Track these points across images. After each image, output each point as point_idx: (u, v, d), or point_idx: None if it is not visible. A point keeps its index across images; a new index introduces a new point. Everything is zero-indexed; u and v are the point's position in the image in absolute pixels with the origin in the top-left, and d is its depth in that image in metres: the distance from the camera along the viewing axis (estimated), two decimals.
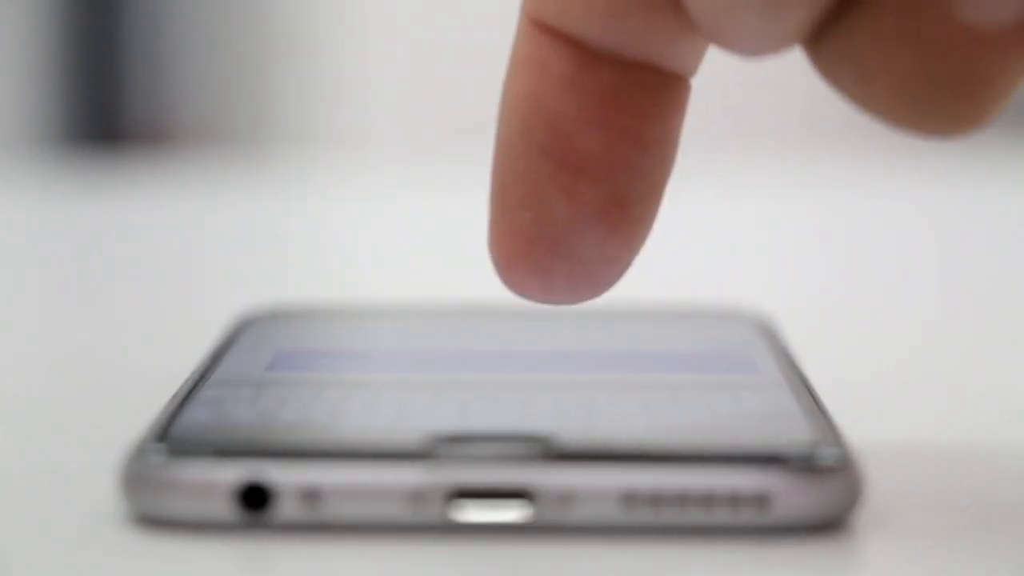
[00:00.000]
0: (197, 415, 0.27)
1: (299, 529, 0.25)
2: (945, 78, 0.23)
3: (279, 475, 0.25)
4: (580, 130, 0.26)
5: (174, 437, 0.26)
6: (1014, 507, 0.27)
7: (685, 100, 0.27)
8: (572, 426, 0.27)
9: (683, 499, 0.25)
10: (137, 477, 0.25)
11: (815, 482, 0.25)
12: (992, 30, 0.23)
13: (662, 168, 0.27)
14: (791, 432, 0.27)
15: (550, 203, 0.26)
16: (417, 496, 0.25)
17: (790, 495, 0.25)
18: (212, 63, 1.64)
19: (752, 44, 0.24)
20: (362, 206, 0.68)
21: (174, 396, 0.28)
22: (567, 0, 0.26)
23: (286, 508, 0.25)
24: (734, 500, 0.25)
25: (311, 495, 0.25)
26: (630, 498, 0.25)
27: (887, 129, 0.24)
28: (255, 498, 0.25)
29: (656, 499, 0.25)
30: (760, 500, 0.25)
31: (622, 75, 0.26)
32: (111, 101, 1.61)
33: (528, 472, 0.25)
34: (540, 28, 0.26)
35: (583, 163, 0.26)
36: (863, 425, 0.28)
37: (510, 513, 0.25)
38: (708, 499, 0.25)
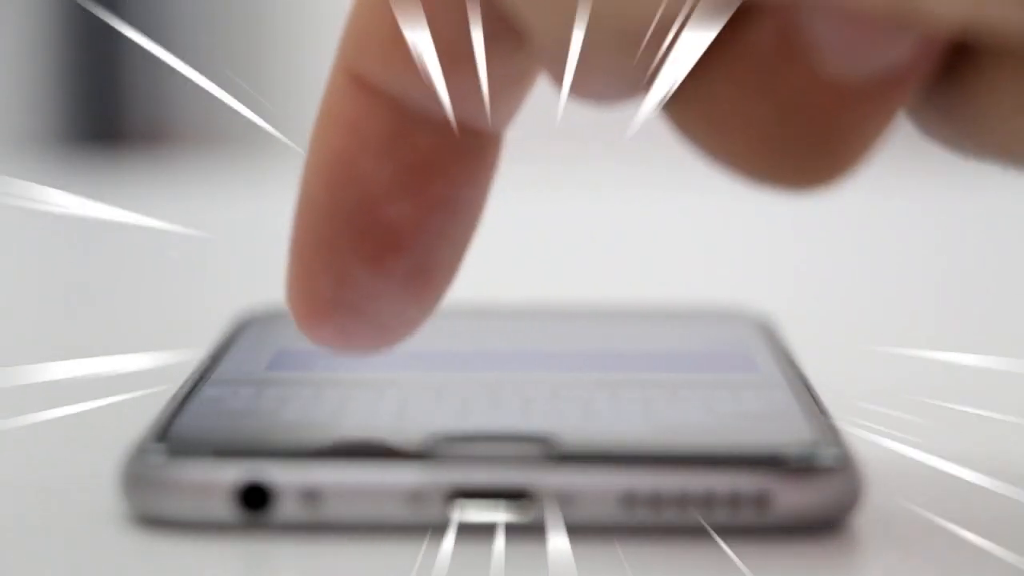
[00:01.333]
0: (197, 415, 0.27)
1: (299, 529, 0.25)
2: (805, 133, 0.22)
3: (279, 475, 0.25)
4: (390, 199, 0.25)
5: (174, 437, 0.26)
6: (1014, 507, 0.27)
7: (498, 157, 0.25)
8: (572, 426, 0.27)
9: (683, 499, 0.25)
10: (137, 477, 0.25)
11: (815, 482, 0.25)
12: (853, 84, 0.22)
13: (469, 230, 0.26)
14: (791, 432, 0.27)
15: (352, 272, 0.25)
16: (417, 496, 0.25)
17: (790, 495, 0.25)
18: (212, 63, 1.64)
19: (602, 89, 0.23)
20: None
21: (174, 396, 0.28)
22: (391, 57, 0.24)
23: (286, 508, 0.25)
24: (734, 500, 0.25)
25: (311, 495, 0.25)
26: (630, 498, 0.25)
27: (740, 181, 0.23)
28: (255, 498, 0.25)
29: (656, 499, 0.25)
30: (760, 500, 0.25)
31: (438, 138, 0.25)
32: (111, 101, 1.61)
33: (528, 472, 0.25)
34: (356, 82, 0.24)
35: (390, 233, 0.25)
36: (863, 426, 0.28)
37: (510, 513, 0.25)
38: (708, 499, 0.25)
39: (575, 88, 0.23)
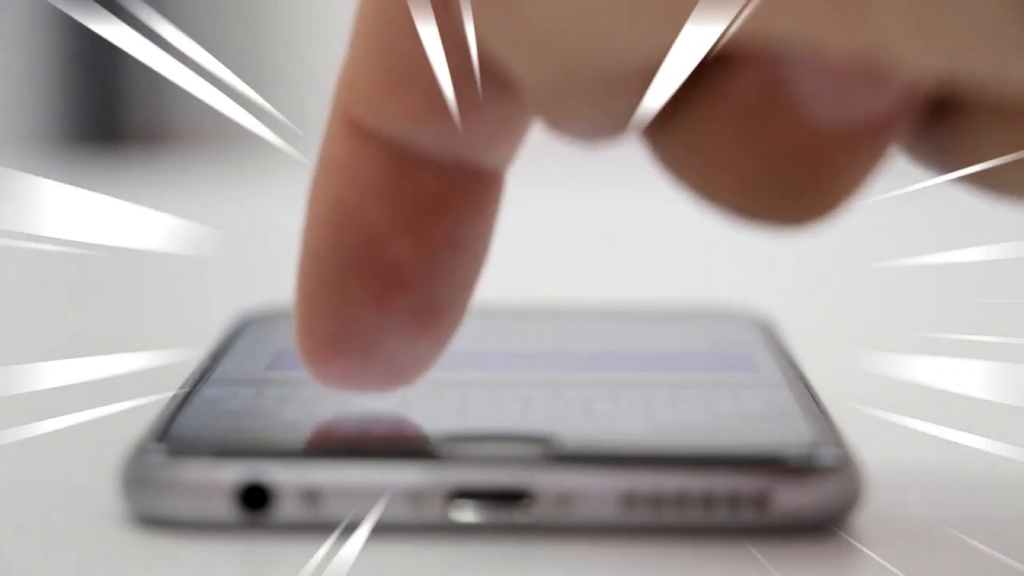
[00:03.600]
0: (197, 415, 0.27)
1: (299, 529, 0.25)
2: (791, 177, 0.22)
3: (279, 475, 0.25)
4: (393, 239, 0.25)
5: (174, 437, 0.26)
6: (1014, 508, 0.27)
7: (501, 195, 0.25)
8: (572, 426, 0.27)
9: (683, 499, 0.25)
10: (137, 477, 0.25)
11: (815, 482, 0.25)
12: (839, 131, 0.22)
13: (476, 267, 0.26)
14: (791, 432, 0.27)
15: (359, 313, 0.25)
16: (417, 496, 0.25)
17: (790, 495, 0.25)
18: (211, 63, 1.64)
19: (586, 131, 0.23)
20: None
21: (174, 396, 0.28)
22: (384, 101, 0.24)
23: (286, 508, 0.25)
24: (734, 500, 0.25)
25: (311, 495, 0.25)
26: (630, 498, 0.25)
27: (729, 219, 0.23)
28: (255, 498, 0.25)
29: (656, 499, 0.25)
30: (760, 500, 0.25)
31: (439, 181, 0.25)
32: (111, 101, 1.61)
33: (528, 472, 0.25)
34: (353, 128, 0.24)
35: (395, 273, 0.25)
36: (863, 425, 0.28)
37: (510, 513, 0.25)
38: (708, 499, 0.25)
39: (564, 131, 0.23)
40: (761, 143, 0.22)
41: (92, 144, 1.52)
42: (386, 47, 0.24)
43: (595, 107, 0.22)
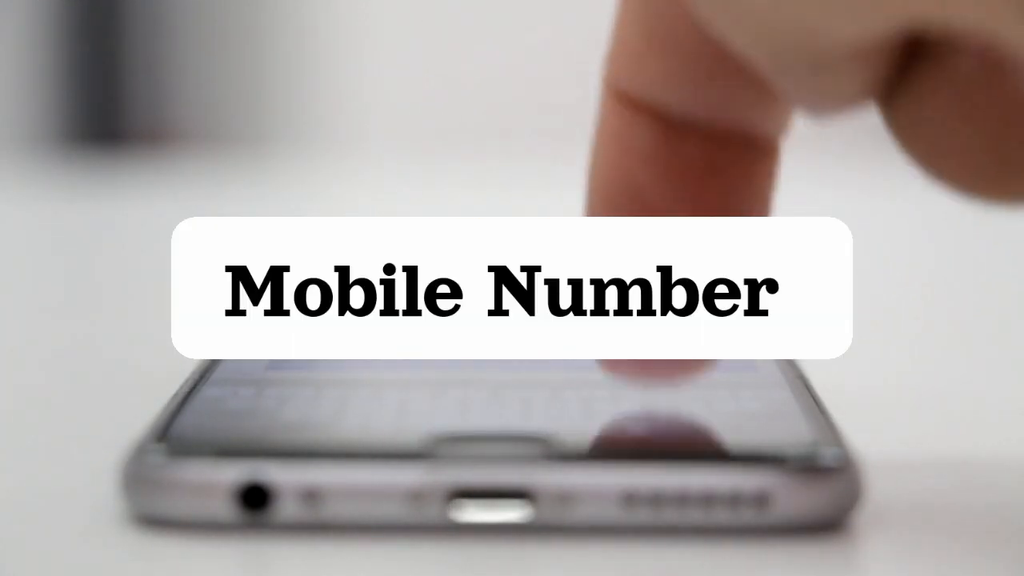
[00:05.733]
0: (197, 415, 0.27)
1: (299, 529, 0.25)
2: (1014, 155, 0.22)
3: (279, 475, 0.25)
4: (668, 206, 0.25)
5: (174, 437, 0.26)
6: (1013, 508, 0.27)
7: (775, 165, 0.26)
8: (572, 426, 0.27)
9: (683, 499, 0.25)
10: (137, 477, 0.25)
11: (815, 482, 0.25)
12: None
13: None
14: (791, 432, 0.27)
15: None
16: (417, 496, 0.25)
17: (790, 495, 0.25)
18: (212, 63, 1.64)
19: (816, 104, 0.23)
20: (362, 205, 0.68)
21: (174, 396, 0.28)
22: (646, 68, 0.25)
23: (286, 508, 0.25)
24: (734, 500, 0.25)
25: (311, 495, 0.25)
26: (630, 498, 0.25)
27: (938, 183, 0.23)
28: (255, 498, 0.25)
29: (656, 499, 0.25)
30: (760, 500, 0.25)
31: (708, 146, 0.25)
32: (111, 101, 1.61)
33: (528, 472, 0.25)
34: (622, 99, 0.25)
35: None
36: (863, 425, 0.28)
37: (510, 513, 0.25)
38: (708, 499, 0.25)
39: (797, 104, 0.24)
40: (984, 119, 0.22)
41: (92, 144, 1.52)
42: (647, 16, 0.25)
43: (816, 83, 0.23)
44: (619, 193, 0.25)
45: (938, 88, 0.22)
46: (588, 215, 0.26)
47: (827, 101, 0.23)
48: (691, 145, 0.25)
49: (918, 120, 0.23)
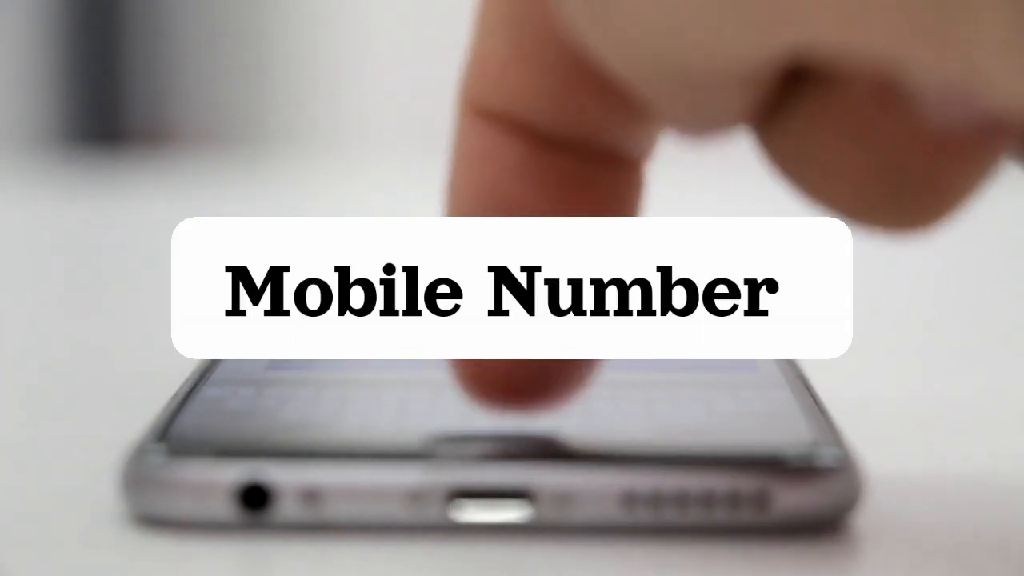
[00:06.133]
0: (197, 415, 0.27)
1: (299, 529, 0.25)
2: (903, 181, 0.22)
3: (279, 475, 0.25)
4: (543, 213, 0.25)
5: (174, 437, 0.26)
6: (1013, 507, 0.27)
7: (642, 183, 0.25)
8: (572, 426, 0.27)
9: (683, 499, 0.25)
10: (137, 477, 0.25)
11: (815, 482, 0.25)
12: (951, 136, 0.21)
13: None
14: (791, 432, 0.27)
15: None
16: (417, 496, 0.25)
17: (790, 495, 0.25)
18: (212, 63, 1.64)
19: (689, 126, 0.23)
20: (362, 205, 0.68)
21: (174, 396, 0.28)
22: (508, 81, 0.25)
23: (286, 508, 0.25)
24: (734, 500, 0.25)
25: (311, 495, 0.25)
26: (630, 498, 0.25)
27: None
28: (255, 498, 0.25)
29: (656, 499, 0.25)
30: (760, 500, 0.25)
31: (578, 161, 0.25)
32: (111, 101, 1.61)
33: (528, 472, 0.25)
34: (486, 118, 0.25)
35: None
36: (863, 425, 0.28)
37: (510, 513, 0.25)
38: (708, 499, 0.25)
39: (670, 126, 0.23)
40: (871, 145, 0.22)
41: (92, 144, 1.52)
42: (512, 28, 0.24)
43: (693, 105, 0.22)
44: (488, 205, 0.25)
45: (825, 111, 0.22)
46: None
47: (702, 124, 0.23)
48: (561, 159, 0.25)
49: (802, 144, 0.22)
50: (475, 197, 0.25)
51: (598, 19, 0.22)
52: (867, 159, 0.22)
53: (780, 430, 0.27)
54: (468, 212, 0.25)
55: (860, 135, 0.21)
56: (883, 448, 0.29)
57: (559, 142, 0.25)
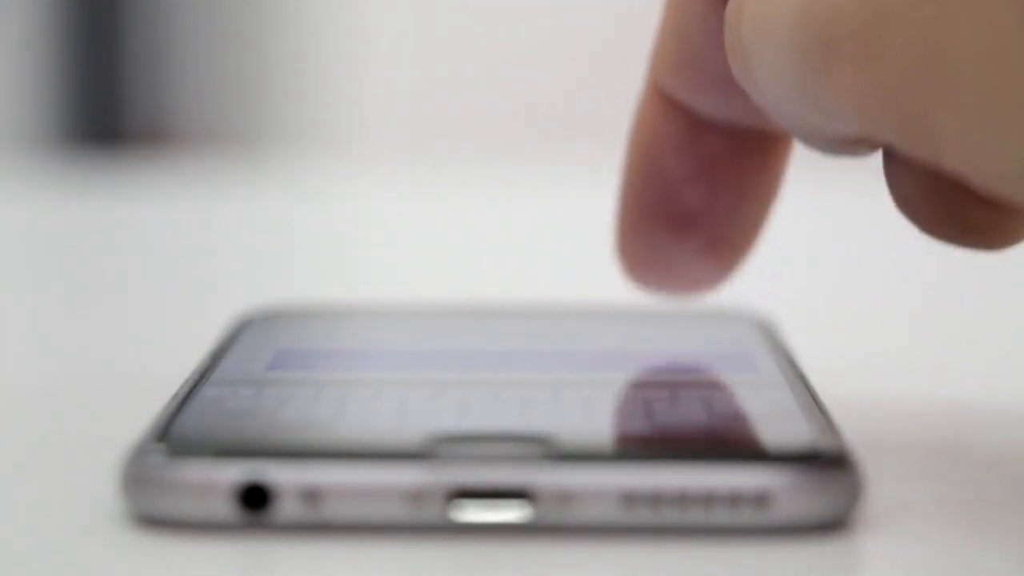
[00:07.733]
0: (197, 415, 0.27)
1: (299, 529, 0.25)
2: (971, 225, 0.26)
3: (279, 475, 0.25)
4: (687, 186, 0.30)
5: (174, 437, 0.26)
6: (1014, 507, 0.27)
7: (786, 152, 0.30)
8: (572, 426, 0.27)
9: (683, 499, 0.25)
10: (137, 477, 0.25)
11: (815, 481, 0.25)
12: (1005, 204, 0.25)
13: (762, 210, 0.31)
14: (791, 431, 0.27)
15: (658, 240, 0.31)
16: (417, 496, 0.25)
17: (790, 494, 0.25)
18: (212, 63, 1.64)
19: (817, 146, 0.27)
20: (362, 205, 0.68)
21: (174, 396, 0.28)
22: (682, 74, 0.29)
23: (286, 508, 0.25)
24: (734, 500, 0.25)
25: (311, 495, 0.25)
26: (630, 498, 0.25)
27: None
28: (255, 498, 0.25)
29: (656, 499, 0.25)
30: (760, 500, 0.25)
31: (728, 140, 0.30)
32: (111, 101, 1.61)
33: (528, 472, 0.25)
34: (659, 92, 0.30)
35: (688, 213, 0.31)
36: (863, 425, 0.28)
37: (510, 513, 0.25)
38: (708, 499, 0.25)
39: (799, 140, 0.27)
40: (940, 198, 0.26)
41: (92, 144, 1.52)
42: (681, 34, 0.29)
43: (823, 146, 0.27)
44: (645, 169, 0.30)
45: (902, 164, 0.26)
46: (623, 175, 0.31)
47: (834, 152, 0.27)
48: (712, 139, 0.30)
49: (896, 180, 0.26)
50: (638, 156, 0.30)
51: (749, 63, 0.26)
52: (936, 201, 0.26)
53: (780, 430, 0.27)
54: (631, 164, 0.31)
55: (927, 187, 0.26)
56: (883, 448, 0.29)
57: (714, 125, 0.30)
